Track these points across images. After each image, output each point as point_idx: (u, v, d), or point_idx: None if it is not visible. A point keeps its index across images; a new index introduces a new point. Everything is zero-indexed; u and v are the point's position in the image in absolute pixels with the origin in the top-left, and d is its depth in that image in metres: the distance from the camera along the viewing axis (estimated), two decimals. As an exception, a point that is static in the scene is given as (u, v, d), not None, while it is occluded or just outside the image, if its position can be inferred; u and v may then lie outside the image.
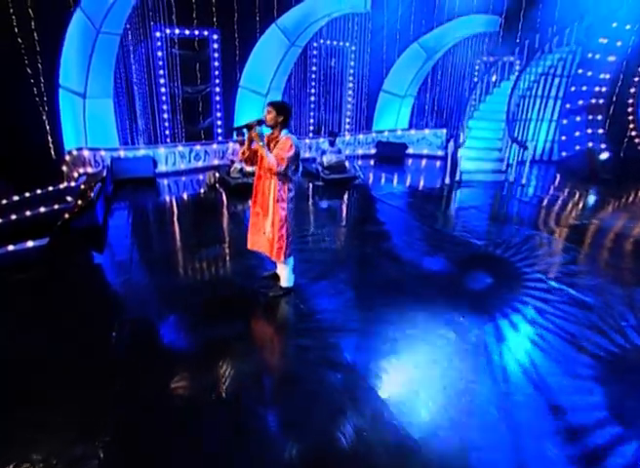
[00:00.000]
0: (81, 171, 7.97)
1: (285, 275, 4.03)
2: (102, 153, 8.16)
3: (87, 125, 8.08)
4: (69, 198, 6.35)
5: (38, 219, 5.99)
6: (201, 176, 9.29)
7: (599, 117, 10.50)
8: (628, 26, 9.63)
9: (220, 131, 10.70)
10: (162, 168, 9.13)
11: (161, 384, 2.81)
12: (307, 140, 11.33)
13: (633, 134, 10.19)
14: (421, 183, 9.54)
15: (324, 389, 2.80)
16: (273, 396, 2.79)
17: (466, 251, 5.34)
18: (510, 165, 9.56)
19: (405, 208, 7.30)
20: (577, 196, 8.44)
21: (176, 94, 9.67)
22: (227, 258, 4.96)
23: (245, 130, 3.56)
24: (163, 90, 9.41)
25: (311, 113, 12.14)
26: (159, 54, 9.11)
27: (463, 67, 12.34)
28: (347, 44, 11.63)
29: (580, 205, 7.99)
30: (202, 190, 8.31)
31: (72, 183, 7.52)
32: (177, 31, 9.16)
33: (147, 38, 8.77)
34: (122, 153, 8.51)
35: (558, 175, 10.28)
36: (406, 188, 9.07)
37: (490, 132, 10.48)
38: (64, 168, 7.81)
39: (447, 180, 9.27)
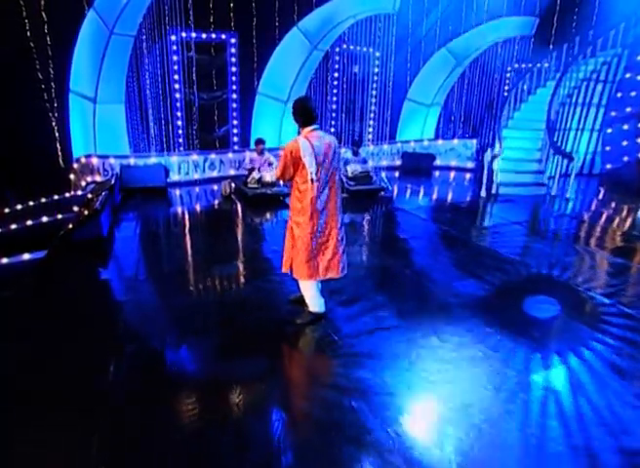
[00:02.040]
0: (89, 179, 7.70)
1: (309, 297, 3.52)
2: (112, 161, 7.89)
3: (97, 131, 7.84)
4: (75, 208, 6.02)
5: (39, 230, 5.65)
6: (215, 187, 8.94)
7: (649, 125, 9.85)
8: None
9: (236, 139, 10.41)
10: (174, 177, 8.83)
11: (163, 424, 2.31)
12: (328, 150, 10.92)
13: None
14: (454, 197, 9.01)
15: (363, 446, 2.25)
16: (296, 451, 2.24)
17: (517, 272, 4.75)
18: (552, 177, 8.97)
19: (439, 223, 6.75)
20: (633, 212, 7.78)
21: (191, 100, 9.44)
22: (246, 278, 4.48)
23: None
24: (177, 96, 9.19)
25: (332, 122, 11.80)
26: (174, 58, 8.92)
27: (495, 74, 11.90)
28: (371, 50, 11.34)
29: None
30: (217, 201, 7.93)
31: (79, 192, 7.23)
32: (193, 35, 8.97)
33: (162, 41, 8.58)
34: (132, 161, 8.23)
35: (604, 190, 9.62)
36: (437, 202, 8.54)
37: (526, 141, 9.93)
38: (72, 176, 7.55)
39: (483, 193, 8.71)
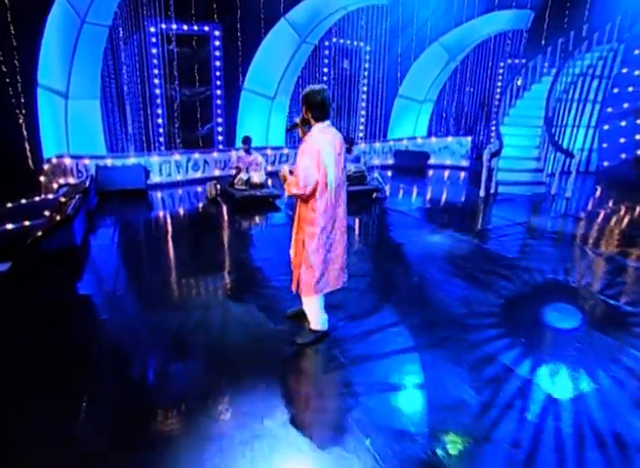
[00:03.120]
0: (61, 181, 7.19)
1: (313, 314, 3.16)
2: (86, 161, 7.38)
3: (69, 129, 7.33)
4: (46, 213, 5.52)
5: (4, 239, 5.15)
6: (200, 189, 8.50)
7: (647, 122, 9.79)
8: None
9: (220, 138, 9.99)
10: (155, 178, 8.35)
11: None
12: (318, 149, 10.57)
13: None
14: (452, 197, 8.76)
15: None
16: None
17: (531, 278, 4.48)
18: (552, 176, 8.80)
19: (440, 225, 6.47)
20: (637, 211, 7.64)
21: (172, 96, 8.98)
22: (237, 290, 4.09)
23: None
24: (157, 92, 8.72)
25: (322, 119, 11.44)
26: (153, 51, 8.45)
27: (489, 69, 11.73)
28: (362, 44, 11.04)
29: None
30: (201, 204, 7.50)
31: (50, 196, 6.71)
32: (173, 26, 8.51)
33: (140, 33, 8.10)
34: (109, 161, 7.73)
35: (602, 188, 9.50)
36: (435, 203, 8.27)
37: (523, 139, 9.75)
38: (42, 178, 7.01)
39: (482, 193, 8.47)
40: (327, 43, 10.46)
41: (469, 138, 11.60)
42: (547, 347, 3.21)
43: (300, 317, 3.38)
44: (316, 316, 3.15)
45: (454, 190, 9.42)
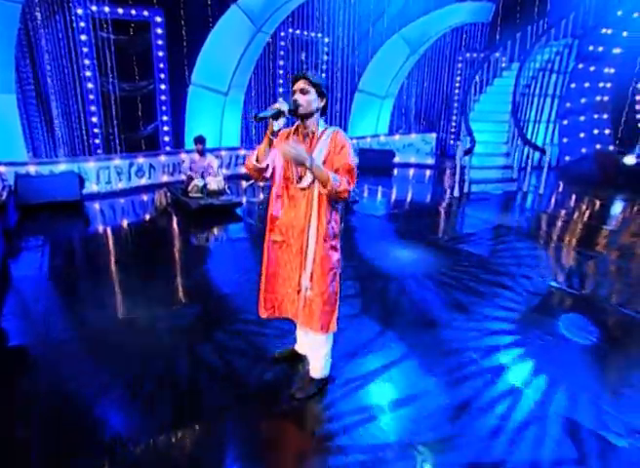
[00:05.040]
0: (-29, 195, 5.99)
1: (323, 357, 2.53)
2: (2, 169, 6.24)
3: (-22, 131, 6.15)
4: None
5: None
6: (145, 197, 7.57)
7: (605, 116, 10.03)
8: (636, 14, 9.25)
9: (167, 138, 9.05)
10: (92, 188, 7.31)
11: None
12: (277, 149, 9.90)
13: (642, 133, 9.81)
14: (424, 198, 8.44)
15: None
16: None
17: (535, 288, 4.13)
18: (523, 172, 8.76)
19: (417, 230, 6.05)
20: (611, 207, 7.72)
21: (108, 91, 7.94)
22: (203, 330, 3.37)
23: (272, 120, 2.16)
24: (90, 86, 7.65)
25: (279, 117, 10.77)
26: (83, 38, 7.38)
27: (449, 63, 11.61)
28: (320, 35, 10.49)
29: (623, 216, 7.21)
30: (149, 216, 6.61)
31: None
32: (106, 9, 7.49)
33: (65, 15, 7.02)
34: (32, 169, 6.61)
35: (567, 183, 9.62)
36: (408, 205, 7.89)
37: (491, 135, 9.65)
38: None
39: (456, 193, 8.21)
40: (283, 33, 9.80)
41: (434, 135, 11.41)
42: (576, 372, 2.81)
43: (293, 359, 2.80)
44: (328, 359, 2.57)
45: (425, 191, 9.13)
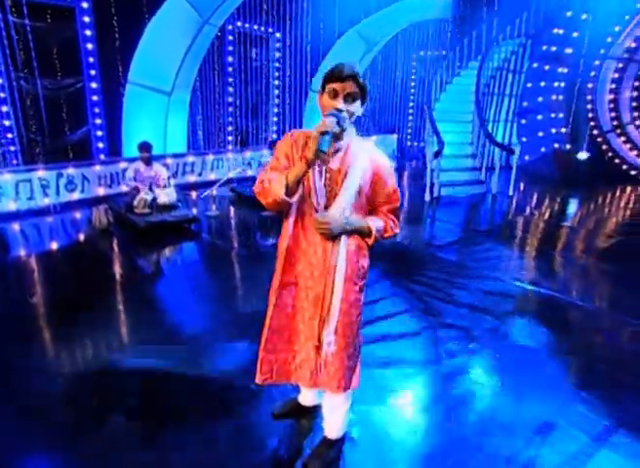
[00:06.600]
0: None
1: (342, 416, 2.03)
2: None
3: None
4: None
5: None
6: (79, 215, 6.51)
7: (560, 115, 10.24)
8: (584, 16, 9.52)
9: (101, 145, 7.96)
10: (9, 205, 6.15)
11: None
12: (230, 155, 9.12)
13: (595, 132, 10.10)
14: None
15: None
16: None
17: (551, 307, 3.78)
18: (491, 173, 8.66)
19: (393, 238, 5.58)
20: (583, 207, 7.78)
21: (25, 89, 6.77)
22: (177, 389, 2.61)
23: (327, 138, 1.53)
24: None
25: (230, 119, 9.99)
26: (-10, 25, 6.20)
27: (410, 61, 11.41)
28: (271, 30, 9.83)
29: (595, 218, 7.23)
30: (85, 238, 5.61)
31: None
32: (19, -8, 6.36)
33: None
34: None
35: (527, 183, 9.69)
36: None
37: (455, 135, 9.50)
38: None
39: (427, 197, 7.90)
40: (230, 27, 9.04)
41: (395, 136, 11.13)
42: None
43: (298, 414, 2.29)
44: (347, 416, 2.07)
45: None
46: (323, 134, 1.52)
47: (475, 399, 2.54)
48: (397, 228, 1.87)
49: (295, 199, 1.67)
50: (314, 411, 2.28)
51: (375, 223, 1.78)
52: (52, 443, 2.17)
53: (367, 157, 1.75)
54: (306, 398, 2.27)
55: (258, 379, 1.93)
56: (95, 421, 2.29)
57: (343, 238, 1.74)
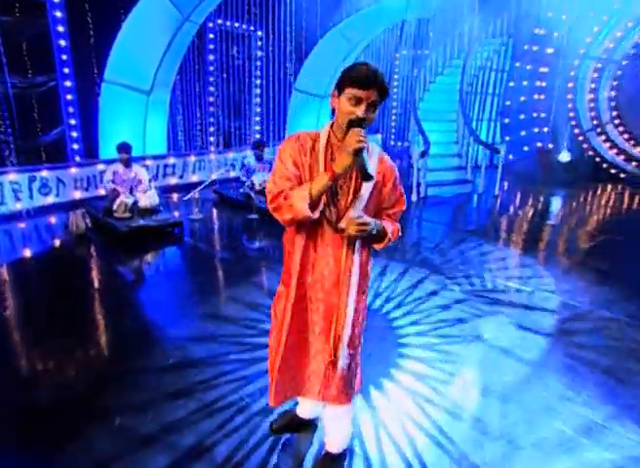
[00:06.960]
0: None
1: (345, 428, 1.99)
2: None
3: None
4: None
5: None
6: (54, 219, 6.22)
7: (542, 114, 10.36)
8: (564, 16, 9.64)
9: (76, 146, 7.63)
10: (-22, 211, 5.82)
11: None
12: (213, 156, 8.90)
13: (576, 131, 10.25)
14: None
15: None
16: None
17: (560, 315, 3.74)
18: (477, 172, 8.68)
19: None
20: (570, 206, 7.86)
21: (-7, 88, 6.43)
22: (173, 419, 2.43)
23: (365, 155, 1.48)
24: (-33, 81, 6.11)
25: (212, 119, 9.76)
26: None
27: (393, 60, 11.37)
28: (252, 28, 9.64)
29: (583, 217, 7.30)
30: (61, 244, 5.34)
31: None
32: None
33: None
34: None
35: (511, 182, 9.75)
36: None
37: (440, 135, 9.48)
38: None
39: (413, 197, 7.84)
40: (211, 24, 8.81)
41: (379, 136, 11.08)
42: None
43: (296, 428, 2.22)
44: (350, 428, 2.03)
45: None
46: (357, 152, 1.42)
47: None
48: (401, 232, 1.81)
49: (317, 214, 1.56)
50: (313, 424, 2.25)
51: (388, 227, 1.71)
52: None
53: (377, 161, 1.68)
54: (305, 410, 2.19)
55: (272, 402, 1.85)
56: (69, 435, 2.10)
57: (357, 244, 1.67)
